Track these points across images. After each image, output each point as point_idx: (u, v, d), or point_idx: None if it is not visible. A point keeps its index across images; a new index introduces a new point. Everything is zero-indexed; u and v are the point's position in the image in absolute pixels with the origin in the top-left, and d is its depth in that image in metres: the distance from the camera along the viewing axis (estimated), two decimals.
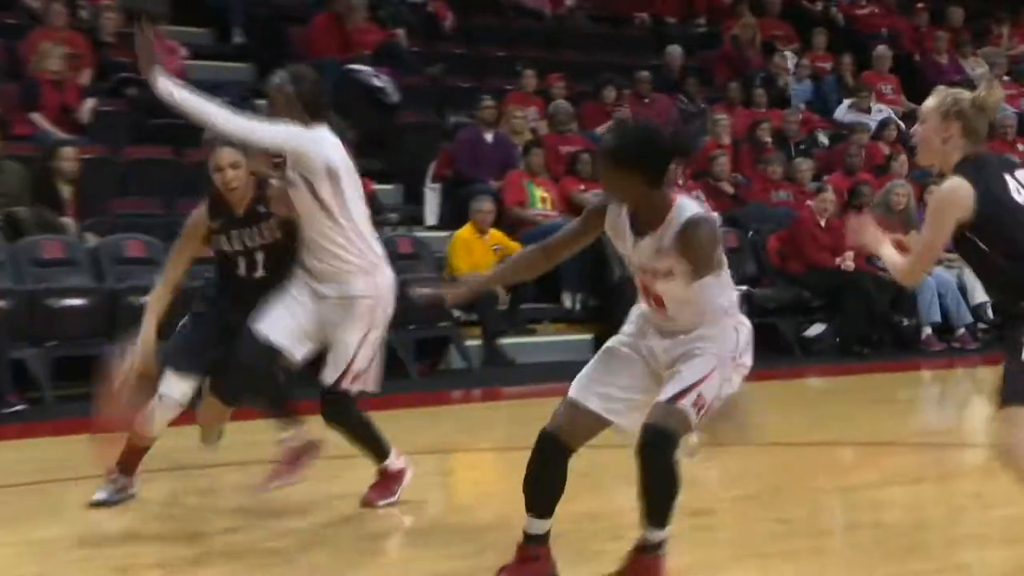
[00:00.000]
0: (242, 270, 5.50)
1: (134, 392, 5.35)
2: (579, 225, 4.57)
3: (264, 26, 13.15)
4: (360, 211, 5.48)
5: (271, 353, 5.33)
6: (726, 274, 4.36)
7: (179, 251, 5.59)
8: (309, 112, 5.24)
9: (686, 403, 4.25)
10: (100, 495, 5.50)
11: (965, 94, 5.01)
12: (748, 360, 4.39)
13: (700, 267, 4.24)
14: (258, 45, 13.06)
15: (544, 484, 4.57)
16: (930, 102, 4.98)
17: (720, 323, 4.32)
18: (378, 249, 5.53)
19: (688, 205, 4.29)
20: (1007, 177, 4.58)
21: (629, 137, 4.32)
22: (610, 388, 4.49)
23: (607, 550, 5.05)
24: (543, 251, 4.64)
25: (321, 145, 5.23)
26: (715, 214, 4.45)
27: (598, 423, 4.53)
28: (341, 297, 5.33)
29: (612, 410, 4.47)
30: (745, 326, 4.40)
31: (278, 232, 5.45)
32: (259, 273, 5.48)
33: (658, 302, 4.41)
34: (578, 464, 6.72)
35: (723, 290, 4.33)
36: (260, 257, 5.48)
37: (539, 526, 4.55)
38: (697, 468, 6.72)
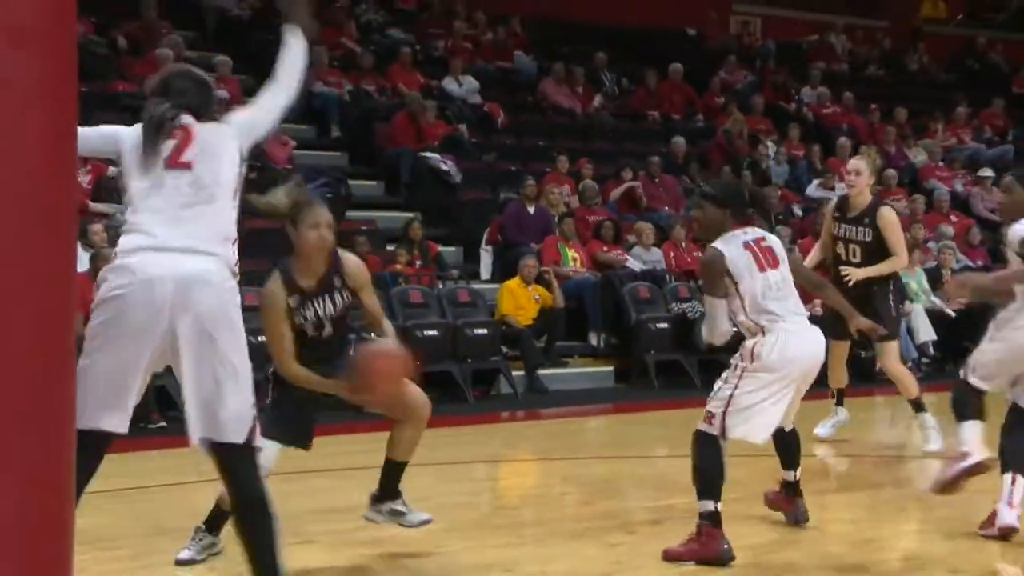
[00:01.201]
0: (311, 333, 4.47)
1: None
2: None
3: (356, 123, 13.22)
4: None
5: None
6: (746, 299, 4.58)
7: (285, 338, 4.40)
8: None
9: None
10: (185, 553, 4.49)
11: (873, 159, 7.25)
12: (762, 363, 4.49)
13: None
14: (351, 138, 13.15)
15: None
16: (863, 163, 6.99)
17: (745, 341, 4.59)
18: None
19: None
20: None
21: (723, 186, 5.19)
22: None
23: (622, 542, 4.98)
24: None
25: None
26: (729, 248, 4.68)
27: None
28: None
29: None
30: (763, 339, 4.53)
31: (350, 298, 4.51)
32: (327, 332, 4.50)
33: None
34: (599, 471, 6.69)
35: (741, 312, 4.59)
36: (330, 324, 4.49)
37: None
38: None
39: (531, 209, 11.92)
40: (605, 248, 11.84)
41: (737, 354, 4.59)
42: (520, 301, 10.59)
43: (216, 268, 3.42)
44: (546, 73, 14.98)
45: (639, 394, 10.24)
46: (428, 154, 12.48)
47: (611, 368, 10.98)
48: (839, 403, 7.38)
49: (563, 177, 12.96)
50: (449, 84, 14.05)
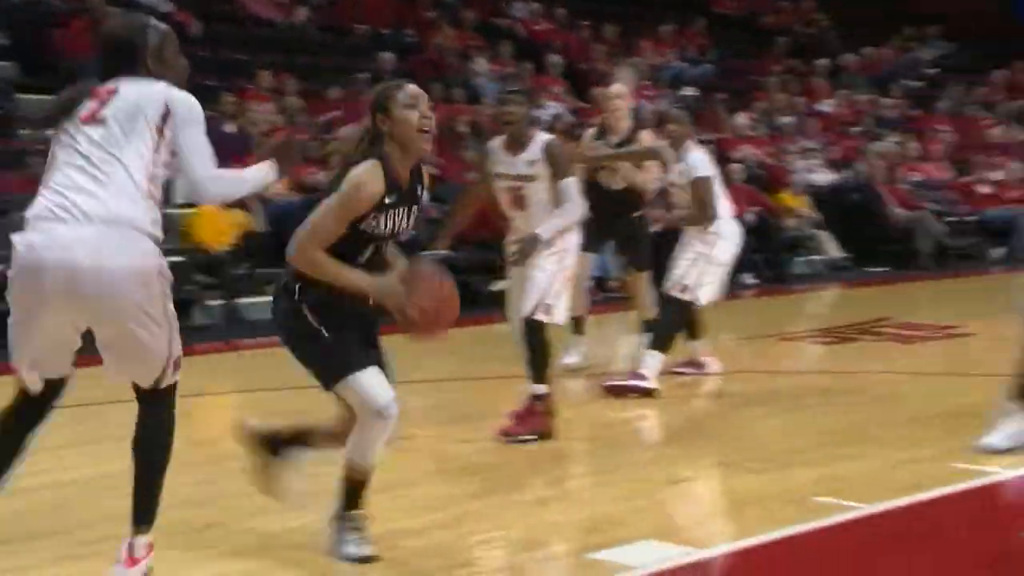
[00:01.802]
0: (363, 260, 3.97)
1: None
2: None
3: (28, 28, 12.44)
4: None
5: None
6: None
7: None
8: None
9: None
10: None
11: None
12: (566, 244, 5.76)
13: (559, 172, 5.62)
14: (22, 45, 12.37)
15: None
16: (624, 87, 8.36)
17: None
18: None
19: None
20: None
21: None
22: None
23: (321, 472, 5.05)
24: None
25: None
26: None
27: None
28: None
29: None
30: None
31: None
32: (380, 249, 4.04)
33: (521, 205, 5.81)
34: (301, 403, 6.72)
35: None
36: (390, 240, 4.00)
37: None
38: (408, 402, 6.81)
39: (229, 128, 11.67)
40: (312, 169, 11.76)
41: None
42: (217, 226, 10.40)
43: (123, 241, 3.55)
44: None
45: None
46: None
47: None
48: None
49: (264, 94, 12.73)
50: None
